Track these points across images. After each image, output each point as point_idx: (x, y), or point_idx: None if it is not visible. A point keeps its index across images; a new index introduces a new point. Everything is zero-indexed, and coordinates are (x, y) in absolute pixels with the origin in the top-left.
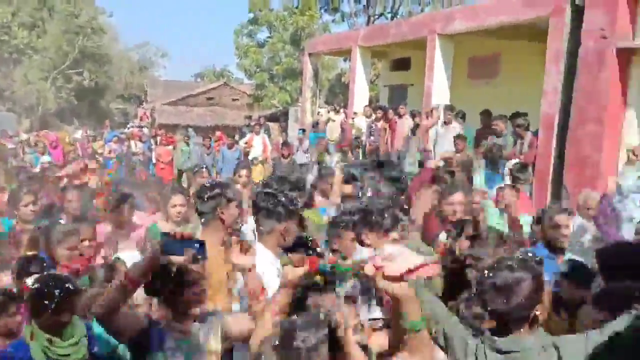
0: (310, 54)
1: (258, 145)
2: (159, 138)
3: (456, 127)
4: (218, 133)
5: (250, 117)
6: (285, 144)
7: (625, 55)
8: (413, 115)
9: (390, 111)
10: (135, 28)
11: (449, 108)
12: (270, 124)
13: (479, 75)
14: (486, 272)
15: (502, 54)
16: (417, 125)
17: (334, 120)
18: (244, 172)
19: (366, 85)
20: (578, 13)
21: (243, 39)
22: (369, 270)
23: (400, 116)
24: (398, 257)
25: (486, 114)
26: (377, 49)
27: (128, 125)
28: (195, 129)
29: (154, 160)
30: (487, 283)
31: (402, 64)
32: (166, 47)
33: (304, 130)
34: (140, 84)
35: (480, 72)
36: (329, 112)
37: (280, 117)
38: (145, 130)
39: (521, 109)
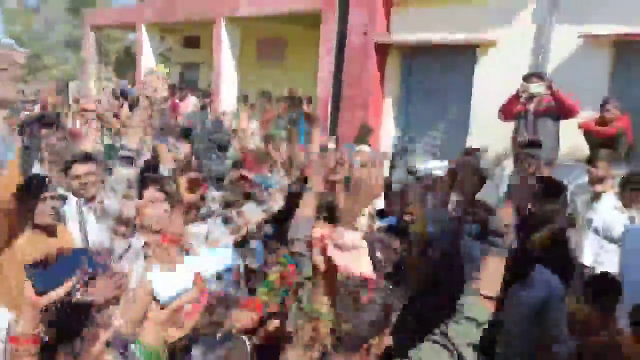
0: (91, 26)
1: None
2: None
3: None
4: None
5: (22, 92)
6: None
7: (383, 50)
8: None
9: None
10: None
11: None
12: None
13: (267, 58)
14: None
15: (288, 39)
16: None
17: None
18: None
19: (155, 64)
20: (344, 9)
21: (11, 3)
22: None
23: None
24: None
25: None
26: (165, 27)
27: None
28: None
29: None
30: None
31: (192, 42)
32: None
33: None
34: None
35: (268, 54)
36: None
37: (62, 92)
38: None
39: (305, 92)
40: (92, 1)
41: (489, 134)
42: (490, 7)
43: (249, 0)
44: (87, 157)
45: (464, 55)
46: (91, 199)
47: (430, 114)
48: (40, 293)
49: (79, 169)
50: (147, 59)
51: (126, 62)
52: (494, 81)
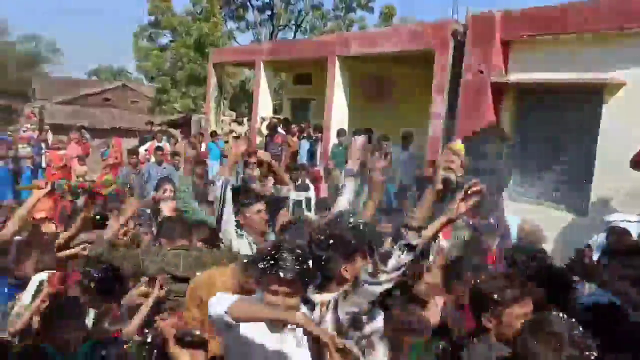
0: (215, 64)
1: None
2: (50, 142)
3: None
4: (113, 140)
5: (152, 123)
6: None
7: (498, 90)
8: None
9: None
10: (26, 20)
11: (342, 132)
12: (172, 131)
13: (375, 95)
14: None
15: (395, 77)
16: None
17: (235, 132)
18: (167, 186)
19: (269, 98)
20: (460, 48)
21: (144, 41)
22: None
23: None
24: None
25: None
26: (280, 64)
27: (22, 128)
28: (91, 130)
29: (44, 165)
30: None
31: (304, 79)
32: (59, 42)
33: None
34: (27, 80)
35: (376, 92)
36: (230, 123)
37: (183, 124)
38: (33, 133)
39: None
40: (216, 41)
41: (616, 180)
42: (618, 47)
43: (360, 40)
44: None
45: (587, 97)
46: None
47: (548, 157)
48: None
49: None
50: (263, 94)
51: (241, 97)
52: (622, 124)
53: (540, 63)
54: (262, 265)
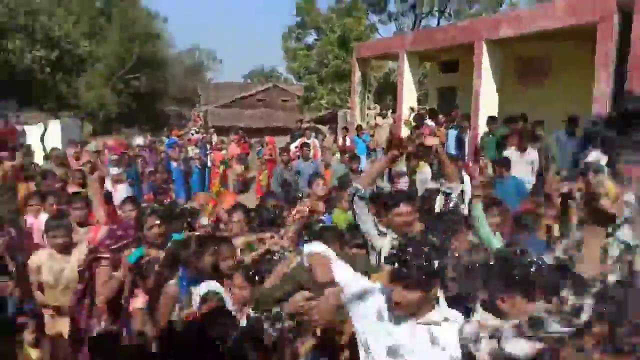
0: (358, 59)
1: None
2: (214, 143)
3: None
4: (267, 138)
5: (301, 121)
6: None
7: None
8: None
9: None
10: (187, 32)
11: (493, 120)
12: (320, 127)
13: (529, 78)
14: None
15: (551, 57)
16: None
17: (380, 125)
18: (320, 181)
19: (414, 89)
20: (626, 18)
21: (292, 42)
22: None
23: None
24: None
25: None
26: (424, 53)
27: (190, 131)
28: (247, 130)
29: (209, 165)
30: None
31: (450, 67)
32: (216, 50)
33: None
34: (193, 87)
35: (530, 75)
36: (375, 117)
37: (330, 119)
38: (199, 135)
39: (572, 112)
40: (360, 35)
41: None
42: None
43: (509, 20)
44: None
45: None
46: None
47: None
48: None
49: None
50: (408, 85)
51: (386, 89)
52: None
53: None
54: (388, 261)
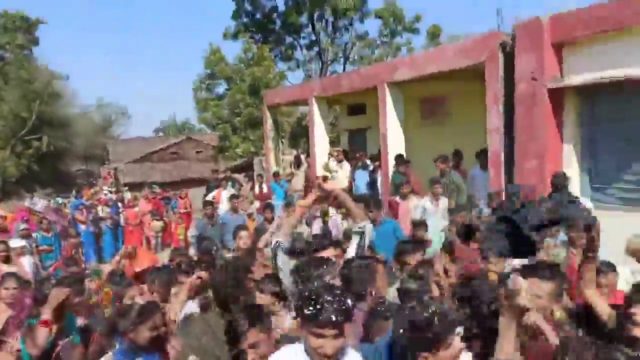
0: (268, 106)
1: (225, 199)
2: (126, 201)
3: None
4: (183, 192)
5: (217, 171)
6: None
7: (557, 95)
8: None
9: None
10: (92, 89)
11: (401, 158)
12: (236, 175)
13: (430, 116)
14: None
15: (449, 96)
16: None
17: (297, 175)
18: (243, 233)
19: (325, 133)
20: (509, 58)
21: (202, 93)
22: None
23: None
24: None
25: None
26: (332, 98)
27: (104, 190)
28: (162, 185)
29: (122, 224)
30: None
31: (357, 109)
32: (125, 105)
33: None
34: (101, 144)
35: (431, 113)
36: (290, 165)
37: (246, 167)
38: (112, 195)
39: (471, 146)
40: (269, 83)
41: None
42: None
43: (409, 63)
44: None
45: None
46: None
47: (623, 158)
48: None
49: None
50: (319, 129)
51: (299, 133)
52: None
53: (599, 61)
54: (307, 311)
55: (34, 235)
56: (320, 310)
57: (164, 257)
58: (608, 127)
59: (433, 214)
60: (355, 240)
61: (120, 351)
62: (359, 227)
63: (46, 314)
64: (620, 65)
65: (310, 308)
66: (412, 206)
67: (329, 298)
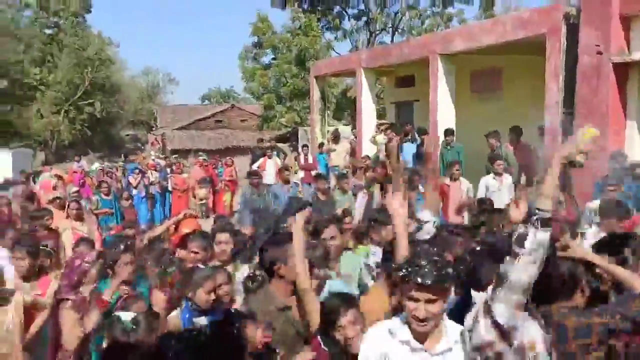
0: (315, 77)
1: (271, 168)
2: (174, 167)
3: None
4: (229, 160)
5: (262, 140)
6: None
7: (621, 70)
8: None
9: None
10: (142, 55)
11: (450, 132)
12: (281, 145)
13: (482, 90)
14: None
15: (503, 69)
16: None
17: (334, 150)
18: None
19: (373, 104)
20: (573, 30)
21: (248, 62)
22: None
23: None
24: None
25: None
26: (381, 69)
27: (151, 156)
28: (207, 152)
29: (170, 189)
30: None
31: (406, 81)
32: (172, 72)
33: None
34: (149, 110)
35: (483, 86)
36: (329, 141)
37: (291, 137)
38: (160, 160)
39: (525, 122)
40: (316, 53)
41: None
42: None
43: (462, 35)
44: None
45: None
46: None
47: None
48: None
49: None
50: (366, 101)
51: (344, 105)
52: None
53: None
54: (402, 273)
55: (93, 198)
56: (413, 273)
57: (208, 225)
58: None
59: (497, 191)
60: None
61: (186, 309)
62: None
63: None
64: None
65: (404, 270)
66: (464, 188)
67: (423, 262)
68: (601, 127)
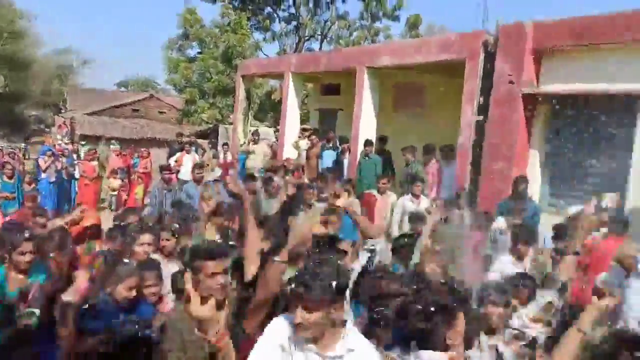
0: (243, 76)
1: (188, 164)
2: (84, 153)
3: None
4: (145, 151)
5: (181, 134)
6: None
7: (530, 101)
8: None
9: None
10: (58, 33)
11: (369, 143)
12: (200, 141)
13: (405, 105)
14: None
15: (426, 87)
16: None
17: (252, 152)
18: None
19: (297, 109)
20: (491, 58)
21: (173, 53)
22: None
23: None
24: None
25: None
26: (308, 75)
27: (58, 140)
28: (120, 141)
29: (77, 176)
30: None
31: (332, 89)
32: (90, 55)
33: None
34: (59, 91)
35: (406, 102)
36: (248, 143)
37: (211, 134)
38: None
39: (445, 140)
40: (243, 52)
41: None
42: None
43: (392, 50)
44: None
45: (623, 107)
46: None
47: (581, 168)
48: None
49: None
50: (292, 105)
51: (267, 107)
52: None
53: (573, 74)
54: (291, 281)
55: None
56: (296, 283)
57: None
58: (572, 136)
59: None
60: (364, 257)
61: (103, 302)
62: (371, 245)
63: None
64: (593, 80)
65: (294, 279)
66: (390, 202)
67: (306, 276)
68: (509, 152)
